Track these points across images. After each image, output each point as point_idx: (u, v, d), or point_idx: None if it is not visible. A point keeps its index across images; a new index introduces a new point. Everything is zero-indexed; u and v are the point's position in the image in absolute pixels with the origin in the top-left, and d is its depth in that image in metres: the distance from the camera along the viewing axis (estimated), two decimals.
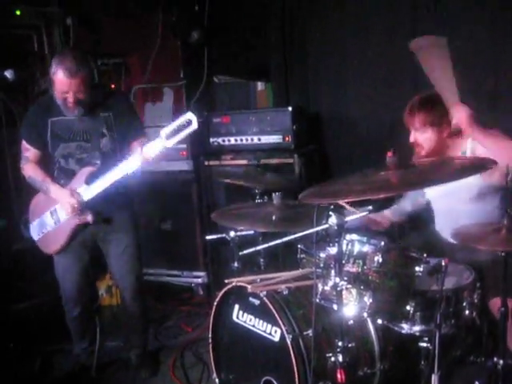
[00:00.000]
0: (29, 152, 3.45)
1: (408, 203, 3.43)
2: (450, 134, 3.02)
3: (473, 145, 2.97)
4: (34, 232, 3.51)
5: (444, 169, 2.63)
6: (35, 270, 4.25)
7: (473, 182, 2.90)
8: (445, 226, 3.20)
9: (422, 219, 3.51)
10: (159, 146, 3.11)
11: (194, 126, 3.05)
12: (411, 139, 3.07)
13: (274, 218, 3.15)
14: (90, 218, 3.30)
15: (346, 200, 2.63)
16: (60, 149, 3.36)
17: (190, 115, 3.05)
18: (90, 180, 3.27)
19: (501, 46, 3.80)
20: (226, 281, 3.00)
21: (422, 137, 3.03)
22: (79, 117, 3.30)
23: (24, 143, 3.46)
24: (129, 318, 3.74)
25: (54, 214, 3.40)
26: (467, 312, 2.64)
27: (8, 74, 4.40)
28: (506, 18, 3.74)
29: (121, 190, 3.40)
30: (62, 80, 3.12)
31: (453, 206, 3.11)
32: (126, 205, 3.58)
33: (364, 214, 2.73)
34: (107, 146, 3.36)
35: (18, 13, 4.60)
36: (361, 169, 2.58)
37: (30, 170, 3.44)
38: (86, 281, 3.62)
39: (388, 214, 3.38)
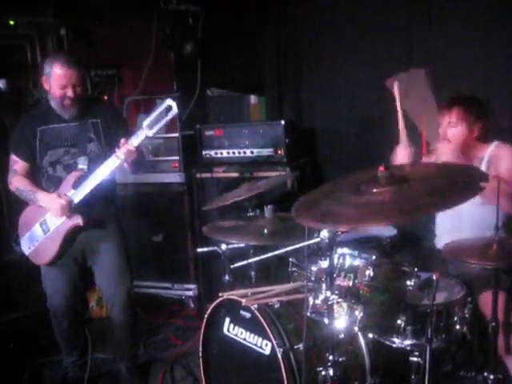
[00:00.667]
0: (17, 164, 3.43)
1: None
2: (478, 137, 3.09)
3: (491, 155, 3.05)
4: (25, 246, 3.48)
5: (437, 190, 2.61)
6: (24, 281, 4.23)
7: None
8: (446, 231, 3.21)
9: (414, 234, 3.52)
10: (141, 135, 3.11)
11: (175, 110, 3.06)
12: (442, 132, 3.11)
13: (265, 231, 3.15)
14: (80, 220, 3.28)
15: (341, 229, 2.62)
16: (48, 156, 3.36)
17: (169, 101, 3.06)
18: (76, 184, 3.26)
19: (494, 58, 3.84)
20: (221, 294, 2.99)
21: (453, 131, 3.08)
22: (68, 123, 3.33)
23: (12, 156, 3.45)
24: (116, 331, 3.68)
25: (44, 225, 3.38)
26: (458, 326, 2.64)
27: (0, 83, 4.39)
28: (500, 31, 3.79)
29: (108, 198, 3.44)
30: (60, 73, 3.17)
31: (457, 210, 3.11)
32: (113, 214, 3.57)
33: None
34: (94, 151, 3.36)
35: (11, 23, 4.60)
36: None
37: (17, 181, 3.42)
38: (75, 293, 3.58)
39: None
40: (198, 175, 4.63)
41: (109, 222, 3.52)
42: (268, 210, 3.25)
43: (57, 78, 3.19)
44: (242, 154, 4.54)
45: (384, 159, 3.11)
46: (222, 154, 4.61)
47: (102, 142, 3.38)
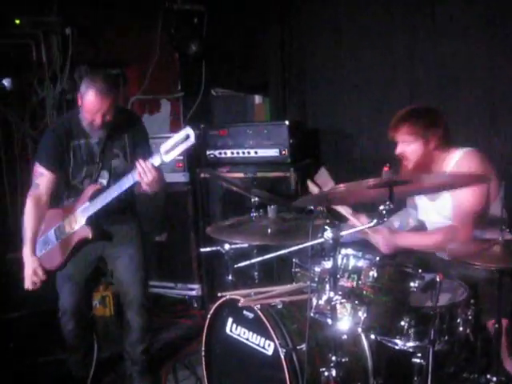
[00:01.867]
0: (41, 178, 3.36)
1: (396, 220, 3.42)
2: (436, 147, 3.01)
3: (459, 162, 2.97)
4: (38, 248, 3.45)
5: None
6: None
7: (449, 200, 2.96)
8: None
9: None
10: (157, 160, 3.08)
11: (192, 140, 3.02)
12: (397, 151, 3.05)
13: (269, 231, 3.14)
14: (90, 234, 3.28)
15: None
16: (83, 172, 3.38)
17: (188, 130, 3.02)
18: (93, 197, 3.26)
19: (498, 67, 3.83)
20: (220, 294, 2.99)
21: (409, 149, 3.01)
22: (96, 139, 3.34)
23: (38, 167, 3.37)
24: (130, 334, 3.63)
25: (57, 231, 3.39)
26: (461, 328, 2.63)
27: (6, 82, 4.41)
28: (504, 39, 3.77)
29: (127, 203, 3.46)
30: (93, 100, 3.15)
31: (440, 223, 3.12)
32: (131, 218, 3.58)
33: (363, 227, 2.71)
34: (119, 168, 3.37)
35: (17, 22, 4.61)
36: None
37: (28, 207, 3.37)
38: (84, 294, 3.58)
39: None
40: (202, 175, 4.64)
41: (127, 225, 3.53)
42: (271, 210, 3.25)
43: (89, 104, 3.18)
44: (246, 155, 4.54)
45: (389, 160, 3.10)
46: (226, 154, 4.62)
47: (127, 158, 3.38)
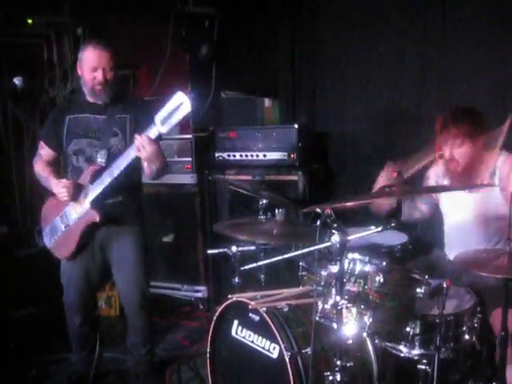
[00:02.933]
0: (43, 150, 3.50)
1: (424, 203, 3.43)
2: (483, 148, 3.02)
3: (501, 169, 3.00)
4: (47, 239, 3.49)
5: None
6: (33, 278, 4.25)
7: (493, 197, 2.94)
8: (455, 241, 3.20)
9: (424, 241, 3.51)
10: (154, 131, 3.03)
11: (187, 107, 2.94)
12: (447, 155, 3.03)
13: (275, 232, 3.15)
14: (97, 217, 3.27)
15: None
16: (72, 144, 3.37)
17: (180, 96, 2.94)
18: (93, 179, 3.26)
19: (508, 67, 3.83)
20: (227, 296, 2.99)
21: (459, 152, 3.00)
22: (96, 115, 3.35)
23: (41, 142, 3.52)
24: (132, 334, 3.65)
25: (64, 217, 3.39)
26: (467, 336, 2.62)
27: (17, 81, 4.43)
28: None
29: (131, 196, 3.44)
30: (92, 55, 3.24)
31: (467, 219, 3.12)
32: (134, 212, 3.53)
33: (369, 232, 2.71)
34: (117, 146, 3.32)
35: (29, 22, 4.64)
36: (365, 188, 2.56)
37: (39, 166, 3.49)
38: (90, 291, 3.58)
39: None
40: (211, 177, 4.64)
41: (130, 223, 3.48)
42: (279, 214, 3.25)
43: (88, 61, 3.25)
44: (255, 157, 4.55)
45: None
46: (234, 156, 4.63)
47: (126, 138, 3.33)
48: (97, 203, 3.28)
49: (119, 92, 3.43)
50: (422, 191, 3.20)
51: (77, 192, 3.30)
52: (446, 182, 3.25)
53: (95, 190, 3.25)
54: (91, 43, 3.28)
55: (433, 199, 3.38)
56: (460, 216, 3.19)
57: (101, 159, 3.30)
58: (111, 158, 3.26)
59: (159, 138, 3.08)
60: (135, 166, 3.27)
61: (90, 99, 3.37)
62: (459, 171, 3.03)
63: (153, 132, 3.03)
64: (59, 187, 3.29)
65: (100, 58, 3.23)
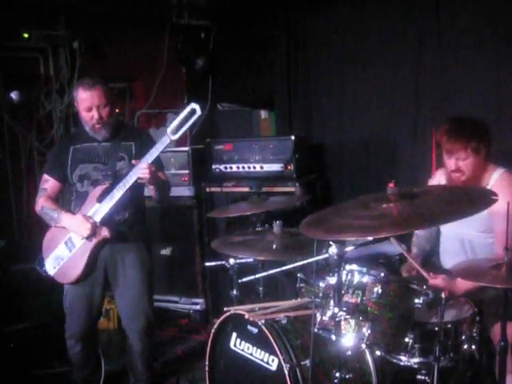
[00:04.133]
0: (47, 183, 3.44)
1: (425, 242, 3.40)
2: (485, 158, 3.00)
3: (495, 185, 2.95)
4: (50, 267, 3.43)
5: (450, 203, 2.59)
6: (31, 292, 4.23)
7: (483, 217, 2.91)
8: (448, 252, 3.19)
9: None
10: (166, 141, 3.13)
11: (198, 113, 3.09)
12: (452, 166, 2.99)
13: (274, 246, 3.14)
14: (107, 232, 3.26)
15: (348, 238, 2.59)
16: (78, 170, 3.37)
17: (193, 105, 3.10)
18: (101, 198, 3.25)
19: (503, 78, 3.84)
20: (226, 308, 2.99)
21: (463, 163, 2.97)
22: (100, 143, 3.37)
23: (44, 176, 3.47)
24: (132, 355, 3.61)
25: (69, 243, 3.36)
26: (466, 346, 2.62)
27: (14, 95, 4.44)
28: (509, 52, 3.79)
29: (136, 215, 3.43)
30: (84, 95, 3.24)
31: (460, 233, 3.11)
32: (141, 234, 3.51)
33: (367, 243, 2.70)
34: (123, 170, 3.31)
35: (25, 35, 4.65)
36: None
37: (44, 200, 3.41)
38: (93, 317, 3.52)
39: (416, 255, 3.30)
40: (208, 189, 4.65)
41: (135, 242, 3.46)
42: (277, 226, 3.25)
43: (81, 102, 3.26)
44: (252, 169, 4.55)
45: (394, 176, 3.09)
46: (231, 168, 4.63)
47: (132, 163, 3.30)
48: (106, 221, 3.27)
49: (122, 122, 3.48)
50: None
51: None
52: None
53: (104, 208, 3.25)
54: (81, 84, 3.29)
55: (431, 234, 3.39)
56: (453, 230, 3.18)
57: (107, 181, 3.31)
58: (118, 179, 3.27)
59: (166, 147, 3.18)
60: (140, 184, 3.29)
61: (90, 133, 3.38)
62: (463, 181, 3.01)
63: (165, 142, 3.14)
64: (80, 223, 3.25)
65: (92, 98, 3.23)
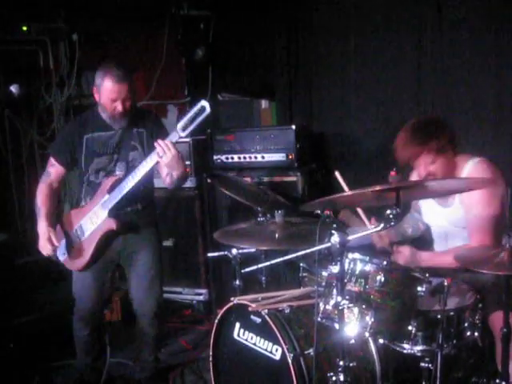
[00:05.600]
0: (53, 167, 3.45)
1: (408, 226, 3.40)
2: (454, 154, 2.96)
3: (471, 173, 2.92)
4: (60, 252, 3.46)
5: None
6: (37, 285, 4.24)
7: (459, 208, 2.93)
8: (441, 248, 3.20)
9: (424, 240, 3.51)
10: (175, 137, 3.11)
11: (208, 110, 3.06)
12: (423, 174, 2.92)
13: (276, 236, 3.14)
14: (114, 225, 3.28)
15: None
16: (94, 164, 3.37)
17: (203, 102, 3.07)
18: (111, 189, 3.27)
19: (505, 70, 3.82)
20: (232, 298, 2.99)
21: (434, 167, 2.91)
22: (113, 131, 3.35)
23: (51, 158, 3.46)
24: (140, 341, 3.66)
25: (79, 230, 3.39)
26: (469, 333, 2.62)
27: (14, 88, 4.43)
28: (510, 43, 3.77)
29: (146, 204, 3.45)
30: (111, 87, 3.18)
31: (445, 230, 3.12)
32: (151, 220, 3.56)
33: (371, 231, 2.70)
34: (136, 160, 3.33)
35: (24, 29, 4.64)
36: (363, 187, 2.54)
37: (40, 190, 3.43)
38: (101, 302, 3.58)
39: (390, 233, 3.34)
40: (209, 180, 4.64)
41: (146, 229, 3.50)
42: (279, 215, 3.25)
43: (107, 92, 3.20)
44: (253, 159, 4.55)
45: (395, 164, 3.09)
46: (233, 158, 4.62)
47: (145, 152, 3.34)
48: (115, 212, 3.29)
49: (135, 109, 3.42)
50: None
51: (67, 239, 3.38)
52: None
53: (113, 200, 3.26)
54: (110, 73, 3.19)
55: (416, 224, 3.37)
56: (438, 226, 3.18)
57: (119, 171, 3.34)
58: (130, 170, 3.28)
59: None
60: (150, 174, 3.30)
61: (107, 120, 3.35)
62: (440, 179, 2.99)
63: (174, 136, 3.11)
64: (43, 239, 3.30)
65: (120, 91, 3.19)
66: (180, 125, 3.10)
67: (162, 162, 3.11)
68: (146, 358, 3.66)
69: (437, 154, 2.88)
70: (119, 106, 3.22)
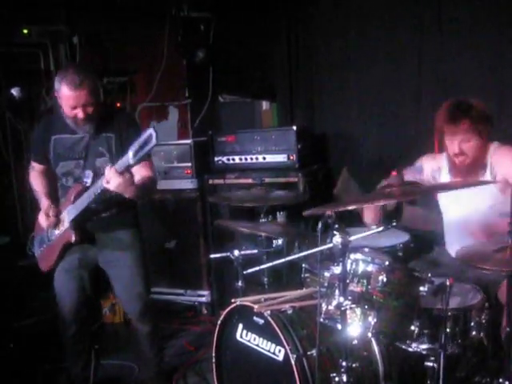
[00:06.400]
0: (35, 164, 3.49)
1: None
2: (488, 140, 3.01)
3: (492, 160, 3.01)
4: (36, 248, 3.50)
5: None
6: (38, 286, 4.24)
7: (489, 192, 2.94)
8: (455, 238, 3.19)
9: (426, 239, 3.51)
10: (124, 162, 2.84)
11: (153, 142, 2.69)
12: (455, 150, 2.98)
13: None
14: (72, 238, 3.23)
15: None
16: (59, 167, 3.33)
17: (150, 131, 2.71)
18: (76, 198, 3.20)
19: (505, 68, 3.82)
20: (234, 300, 2.99)
21: (467, 145, 2.96)
22: (81, 135, 3.25)
23: (32, 163, 3.50)
24: (138, 342, 3.61)
25: (49, 231, 3.39)
26: (474, 332, 2.62)
27: (15, 91, 4.44)
28: (510, 42, 3.77)
29: (123, 208, 3.37)
30: (67, 94, 3.03)
31: (465, 214, 3.10)
32: (129, 222, 3.48)
33: (372, 231, 2.70)
34: (103, 167, 3.05)
35: (25, 31, 4.64)
36: (364, 187, 2.55)
37: (33, 177, 3.48)
38: (84, 300, 3.49)
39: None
40: (211, 181, 4.65)
41: (124, 231, 3.44)
42: (281, 216, 3.25)
43: (65, 99, 3.07)
44: (254, 160, 4.55)
45: (396, 165, 3.09)
46: (234, 160, 4.63)
47: (112, 159, 3.17)
48: (76, 223, 3.23)
49: (105, 110, 3.30)
50: (422, 192, 3.12)
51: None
52: (444, 177, 3.22)
53: (75, 210, 3.20)
54: (65, 80, 3.02)
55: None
56: (458, 212, 3.18)
57: (86, 179, 3.24)
58: (96, 179, 3.13)
59: (127, 168, 2.89)
60: None
61: (71, 125, 3.22)
62: (467, 165, 3.01)
63: (123, 163, 2.85)
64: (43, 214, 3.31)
65: (78, 98, 3.03)
66: (131, 151, 2.77)
67: (109, 187, 2.91)
68: (147, 356, 3.63)
69: (476, 134, 2.94)
70: (80, 113, 3.07)
